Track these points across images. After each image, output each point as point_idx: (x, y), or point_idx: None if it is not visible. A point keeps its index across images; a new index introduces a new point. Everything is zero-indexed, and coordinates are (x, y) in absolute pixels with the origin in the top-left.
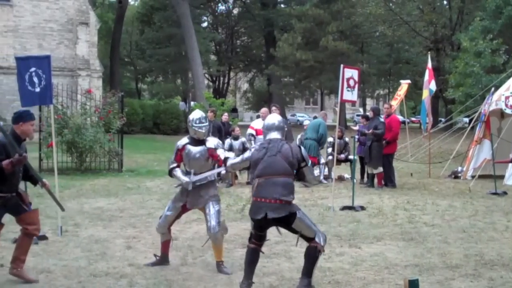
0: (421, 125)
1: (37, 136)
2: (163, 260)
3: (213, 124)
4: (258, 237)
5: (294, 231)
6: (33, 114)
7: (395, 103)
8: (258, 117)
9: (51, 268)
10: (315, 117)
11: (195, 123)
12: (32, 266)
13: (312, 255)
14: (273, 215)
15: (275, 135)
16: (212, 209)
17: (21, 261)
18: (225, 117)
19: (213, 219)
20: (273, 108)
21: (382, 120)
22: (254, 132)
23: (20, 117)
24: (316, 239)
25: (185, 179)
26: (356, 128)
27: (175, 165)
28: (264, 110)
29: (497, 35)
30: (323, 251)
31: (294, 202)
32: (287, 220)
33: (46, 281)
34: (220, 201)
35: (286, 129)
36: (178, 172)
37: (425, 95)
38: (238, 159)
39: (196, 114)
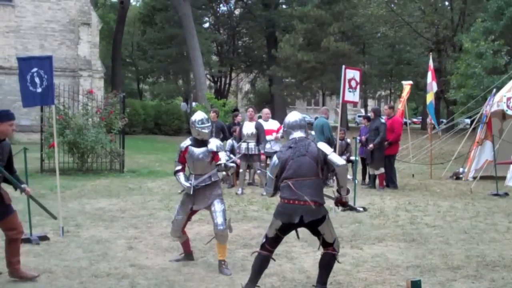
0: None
1: (38, 137)
2: (187, 257)
3: (216, 124)
4: (274, 241)
5: (318, 233)
6: (12, 114)
7: (401, 106)
8: (259, 117)
9: (52, 268)
10: (316, 118)
11: (198, 124)
12: (33, 266)
13: (329, 263)
14: (310, 218)
15: (299, 133)
16: (218, 206)
17: (15, 263)
18: (239, 118)
19: (219, 216)
20: (250, 109)
21: (383, 121)
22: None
23: None
24: (334, 246)
25: (186, 184)
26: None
27: (179, 167)
28: (265, 111)
29: (499, 36)
30: (338, 259)
31: None
32: (318, 223)
33: (47, 281)
34: (223, 199)
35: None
36: (180, 177)
37: (431, 97)
38: (271, 169)
39: (199, 115)
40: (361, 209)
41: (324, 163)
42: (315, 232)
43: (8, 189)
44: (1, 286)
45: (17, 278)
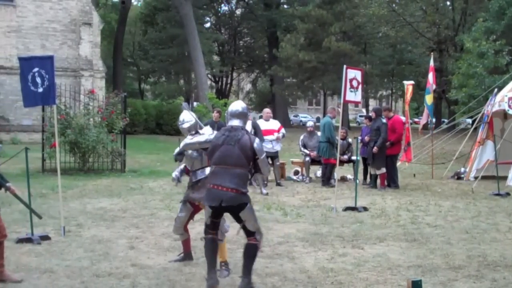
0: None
1: (40, 137)
2: (186, 257)
3: (218, 124)
4: (212, 225)
5: (239, 220)
6: None
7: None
8: (260, 117)
9: (53, 268)
10: (317, 118)
11: (179, 124)
12: (35, 266)
13: (252, 253)
14: (228, 203)
15: (236, 122)
16: None
17: (0, 266)
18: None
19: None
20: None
21: (384, 121)
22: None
23: None
24: (256, 236)
25: (173, 174)
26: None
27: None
28: (266, 110)
29: (500, 36)
30: (260, 249)
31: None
32: (238, 209)
33: (48, 281)
34: None
35: (248, 116)
36: (177, 169)
37: (431, 99)
38: (198, 139)
39: (180, 116)
40: (362, 209)
41: (253, 159)
42: (237, 218)
43: None
44: (2, 286)
45: (2, 281)
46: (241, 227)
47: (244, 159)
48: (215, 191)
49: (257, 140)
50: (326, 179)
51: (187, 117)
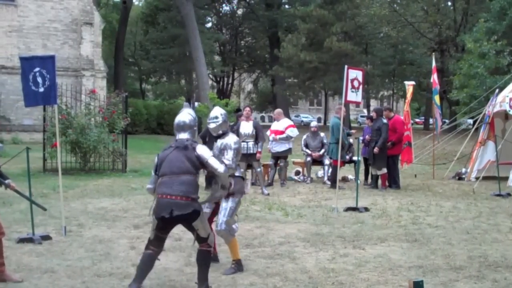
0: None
1: (41, 136)
2: (212, 258)
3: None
4: (158, 241)
5: (192, 229)
6: None
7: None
8: (262, 118)
9: (55, 268)
10: (319, 118)
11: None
12: (36, 266)
13: (205, 261)
14: (179, 211)
15: (182, 135)
16: (224, 204)
17: (0, 264)
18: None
19: (221, 214)
20: (247, 109)
21: (385, 121)
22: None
23: None
24: (209, 241)
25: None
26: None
27: None
28: (278, 111)
29: (502, 36)
30: (210, 252)
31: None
32: (190, 218)
33: (49, 281)
34: (238, 196)
35: (195, 128)
36: None
37: (438, 99)
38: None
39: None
40: (363, 209)
41: (203, 165)
42: (190, 227)
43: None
44: (3, 286)
45: (2, 281)
46: (195, 236)
47: (190, 165)
48: (165, 200)
49: (199, 145)
50: (333, 180)
51: (213, 113)
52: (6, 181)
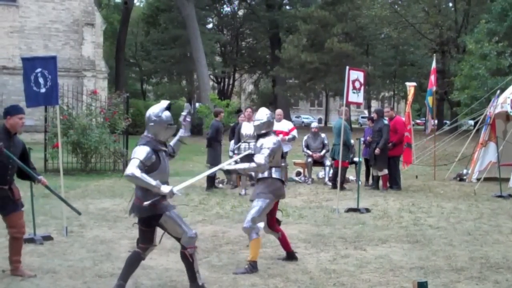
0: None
1: (42, 137)
2: (289, 257)
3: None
4: (142, 237)
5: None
6: (21, 108)
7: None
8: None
9: (56, 268)
10: (319, 119)
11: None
12: (37, 266)
13: (184, 262)
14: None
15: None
16: (254, 203)
17: (15, 262)
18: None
19: (249, 213)
20: (248, 110)
21: (386, 122)
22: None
23: (7, 112)
24: (182, 242)
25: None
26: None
27: None
28: (278, 111)
29: (503, 37)
30: (191, 254)
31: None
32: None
33: (51, 281)
34: (272, 198)
35: (152, 124)
36: None
37: (433, 102)
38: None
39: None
40: (365, 210)
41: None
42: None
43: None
44: (5, 286)
45: (18, 276)
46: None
47: None
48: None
49: (136, 147)
50: (340, 182)
51: (259, 115)
52: (39, 177)
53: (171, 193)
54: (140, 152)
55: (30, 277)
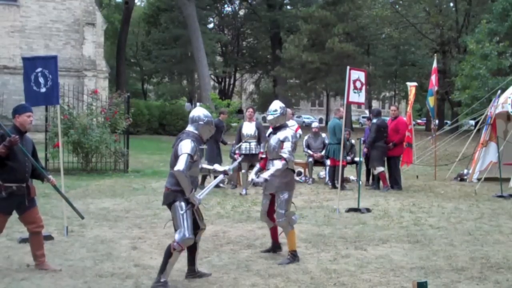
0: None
1: (43, 136)
2: (275, 248)
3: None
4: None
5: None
6: (28, 106)
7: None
8: (264, 118)
9: (56, 268)
10: (320, 119)
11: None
12: None
13: (166, 251)
14: (164, 201)
15: (189, 127)
16: (280, 197)
17: (39, 256)
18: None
19: (279, 207)
20: (250, 110)
21: (374, 121)
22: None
23: (15, 111)
24: (176, 237)
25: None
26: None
27: None
28: (288, 111)
29: (504, 37)
30: (175, 249)
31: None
32: (170, 207)
33: (52, 281)
34: (290, 189)
35: (202, 123)
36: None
37: (433, 101)
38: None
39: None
40: (365, 210)
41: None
42: None
43: None
44: (5, 286)
45: (44, 270)
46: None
47: (174, 159)
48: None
49: (185, 140)
50: (340, 181)
51: (273, 107)
52: (49, 176)
53: (199, 201)
54: (188, 146)
55: (56, 271)
